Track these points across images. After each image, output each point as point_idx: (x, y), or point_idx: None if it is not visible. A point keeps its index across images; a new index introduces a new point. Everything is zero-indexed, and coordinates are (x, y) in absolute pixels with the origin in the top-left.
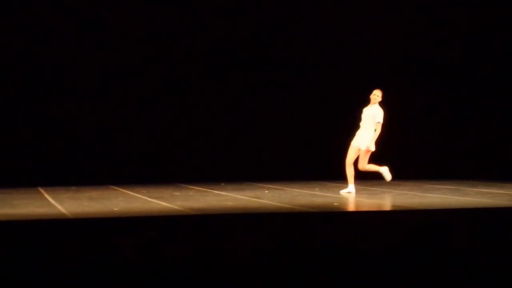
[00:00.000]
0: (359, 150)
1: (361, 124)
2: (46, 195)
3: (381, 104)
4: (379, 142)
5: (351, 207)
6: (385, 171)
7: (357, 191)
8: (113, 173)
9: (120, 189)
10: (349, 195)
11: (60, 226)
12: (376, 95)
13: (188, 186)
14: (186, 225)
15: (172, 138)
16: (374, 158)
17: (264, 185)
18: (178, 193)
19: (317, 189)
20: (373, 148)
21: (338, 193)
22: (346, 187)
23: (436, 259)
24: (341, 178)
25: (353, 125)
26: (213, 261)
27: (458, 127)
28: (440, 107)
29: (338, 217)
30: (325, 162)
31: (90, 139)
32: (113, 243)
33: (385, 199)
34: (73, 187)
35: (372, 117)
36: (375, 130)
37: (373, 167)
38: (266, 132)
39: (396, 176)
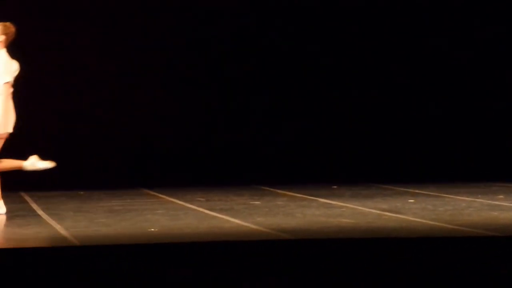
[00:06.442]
0: None
1: None
2: (36, 207)
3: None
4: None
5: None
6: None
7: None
8: (144, 170)
9: (158, 195)
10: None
11: (64, 258)
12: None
13: (272, 189)
14: (275, 257)
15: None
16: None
17: (394, 187)
18: (258, 202)
19: (501, 196)
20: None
21: None
22: None
23: None
24: None
25: None
26: None
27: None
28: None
29: None
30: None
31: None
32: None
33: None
34: (81, 192)
35: None
36: None
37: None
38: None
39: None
